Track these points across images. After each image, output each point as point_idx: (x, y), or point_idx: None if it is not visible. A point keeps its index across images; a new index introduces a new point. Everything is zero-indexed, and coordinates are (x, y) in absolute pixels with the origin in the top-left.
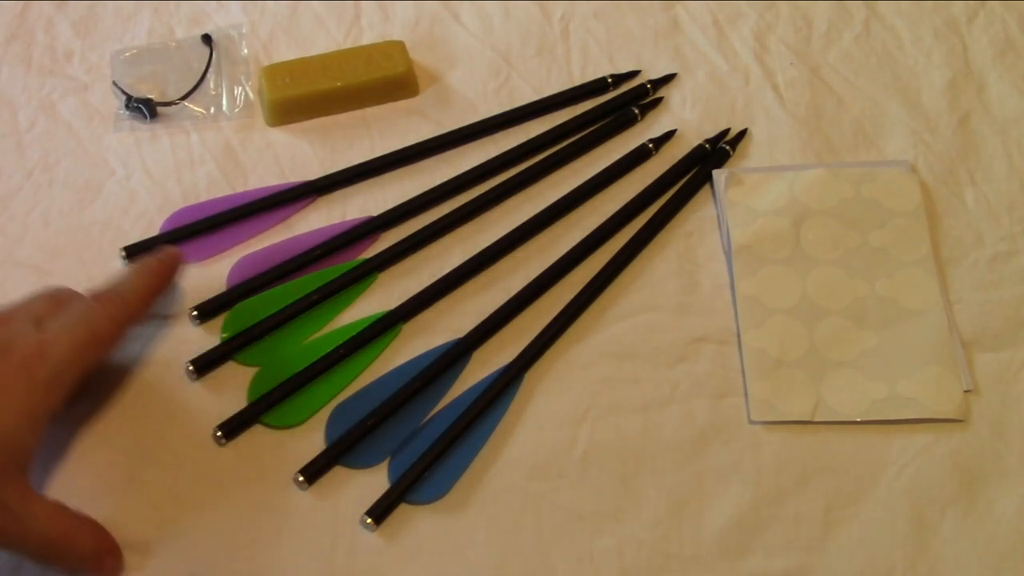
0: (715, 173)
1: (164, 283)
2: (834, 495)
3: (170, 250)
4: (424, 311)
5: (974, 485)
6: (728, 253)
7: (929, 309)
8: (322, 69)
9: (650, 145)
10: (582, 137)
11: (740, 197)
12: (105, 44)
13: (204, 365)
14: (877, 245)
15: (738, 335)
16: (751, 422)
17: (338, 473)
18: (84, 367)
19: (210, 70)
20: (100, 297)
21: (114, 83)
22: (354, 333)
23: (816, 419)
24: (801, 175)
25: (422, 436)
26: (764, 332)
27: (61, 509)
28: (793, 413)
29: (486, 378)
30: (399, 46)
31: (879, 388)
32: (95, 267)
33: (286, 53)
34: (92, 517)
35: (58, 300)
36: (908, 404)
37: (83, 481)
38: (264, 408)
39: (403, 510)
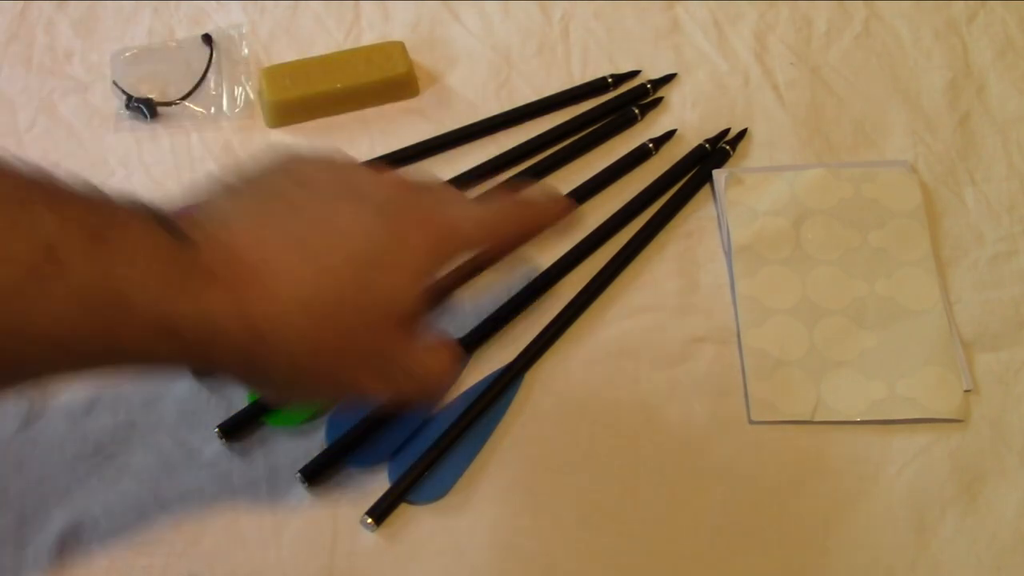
0: (715, 173)
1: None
2: (834, 495)
3: (565, 200)
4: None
5: (974, 485)
6: (728, 253)
7: (929, 309)
8: (322, 70)
9: (650, 145)
10: (582, 137)
11: (740, 197)
12: (105, 44)
13: None
14: (877, 245)
15: (738, 335)
16: (751, 422)
17: (338, 473)
18: (467, 247)
19: (210, 70)
20: (508, 195)
21: (114, 83)
22: None
23: (816, 419)
24: (801, 175)
25: (422, 436)
26: (764, 332)
27: (433, 348)
28: (793, 413)
29: (486, 378)
30: (399, 47)
31: (879, 388)
32: None
33: (286, 53)
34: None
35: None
36: (908, 404)
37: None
38: (264, 408)
39: (403, 510)
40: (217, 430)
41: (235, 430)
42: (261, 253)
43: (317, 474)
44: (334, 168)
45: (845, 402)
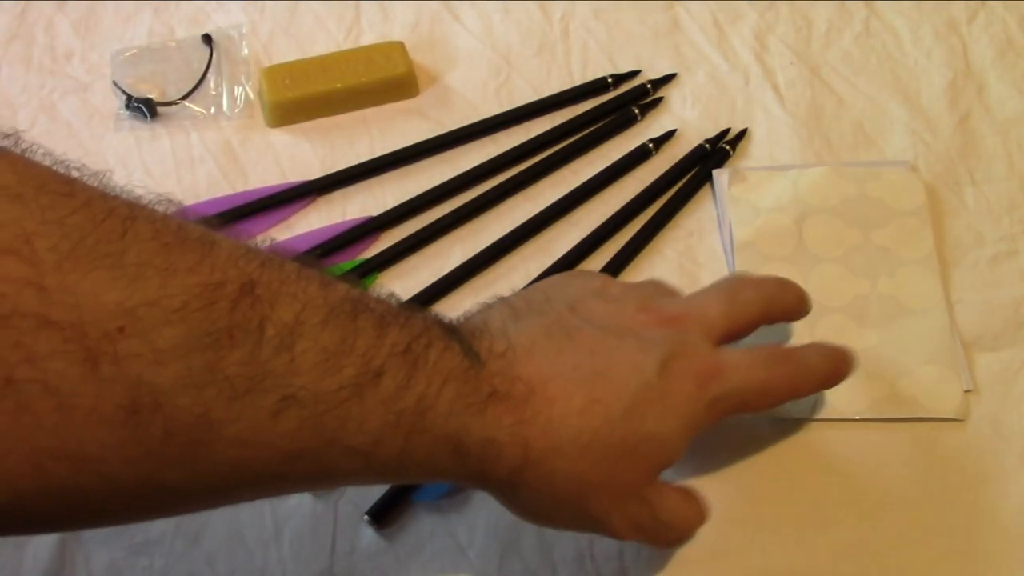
0: (716, 172)
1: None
2: (834, 495)
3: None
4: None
5: (974, 485)
6: (730, 252)
7: (931, 307)
8: (322, 70)
9: (650, 145)
10: (582, 137)
11: (743, 194)
12: (105, 44)
13: None
14: (880, 243)
15: None
16: (751, 420)
17: None
18: (740, 409)
19: (210, 70)
20: (787, 356)
21: (114, 83)
22: None
23: (815, 417)
24: (804, 173)
25: None
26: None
27: (684, 496)
28: (792, 411)
29: None
30: (399, 47)
31: (879, 386)
32: None
33: (286, 53)
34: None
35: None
36: (908, 403)
37: None
38: None
39: (403, 509)
40: None
41: None
42: (539, 375)
43: None
44: (608, 298)
45: (845, 400)
